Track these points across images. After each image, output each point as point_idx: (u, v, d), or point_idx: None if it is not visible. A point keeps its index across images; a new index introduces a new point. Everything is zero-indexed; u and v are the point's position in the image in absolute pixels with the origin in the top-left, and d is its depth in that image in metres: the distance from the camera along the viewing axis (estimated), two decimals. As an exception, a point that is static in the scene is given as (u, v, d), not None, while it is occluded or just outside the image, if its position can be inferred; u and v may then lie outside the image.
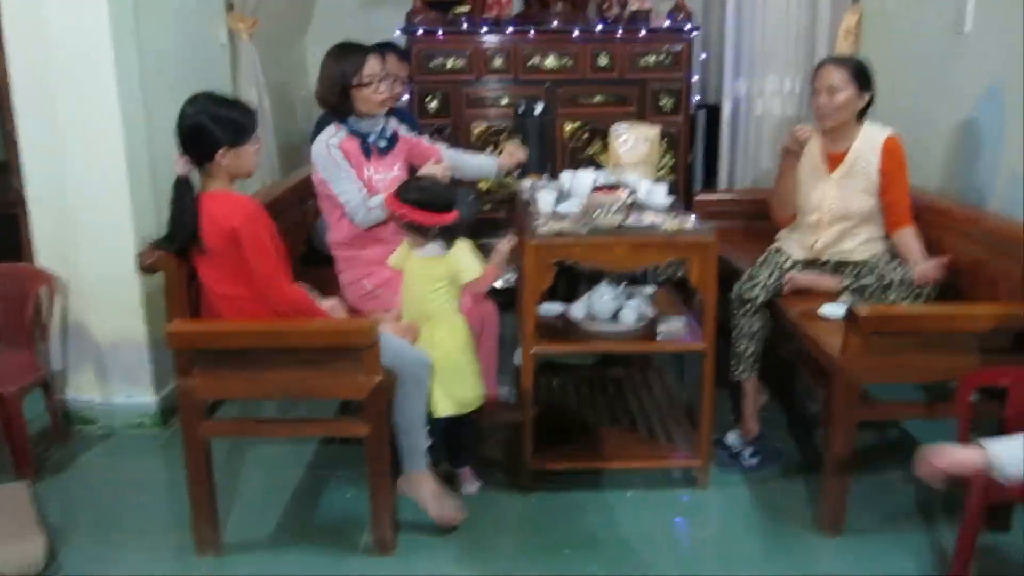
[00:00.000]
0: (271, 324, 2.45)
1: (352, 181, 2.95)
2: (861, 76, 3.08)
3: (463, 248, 2.70)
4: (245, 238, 2.37)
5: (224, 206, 2.40)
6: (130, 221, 3.20)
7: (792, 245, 3.31)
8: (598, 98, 4.50)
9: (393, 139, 3.15)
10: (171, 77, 3.42)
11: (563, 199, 3.11)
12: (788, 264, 3.24)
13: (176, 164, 2.42)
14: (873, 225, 3.19)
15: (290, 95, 5.02)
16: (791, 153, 3.16)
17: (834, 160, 3.21)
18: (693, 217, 2.90)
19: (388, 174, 3.10)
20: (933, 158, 3.57)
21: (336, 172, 2.95)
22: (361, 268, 3.07)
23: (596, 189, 2.96)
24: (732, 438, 3.19)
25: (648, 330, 2.95)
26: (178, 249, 2.47)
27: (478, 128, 4.50)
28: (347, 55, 2.98)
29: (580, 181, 3.14)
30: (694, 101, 4.61)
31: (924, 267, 2.88)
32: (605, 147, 4.46)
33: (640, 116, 4.49)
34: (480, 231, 4.53)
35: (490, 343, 3.13)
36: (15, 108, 3.17)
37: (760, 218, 4.33)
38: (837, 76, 3.05)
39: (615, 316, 3.02)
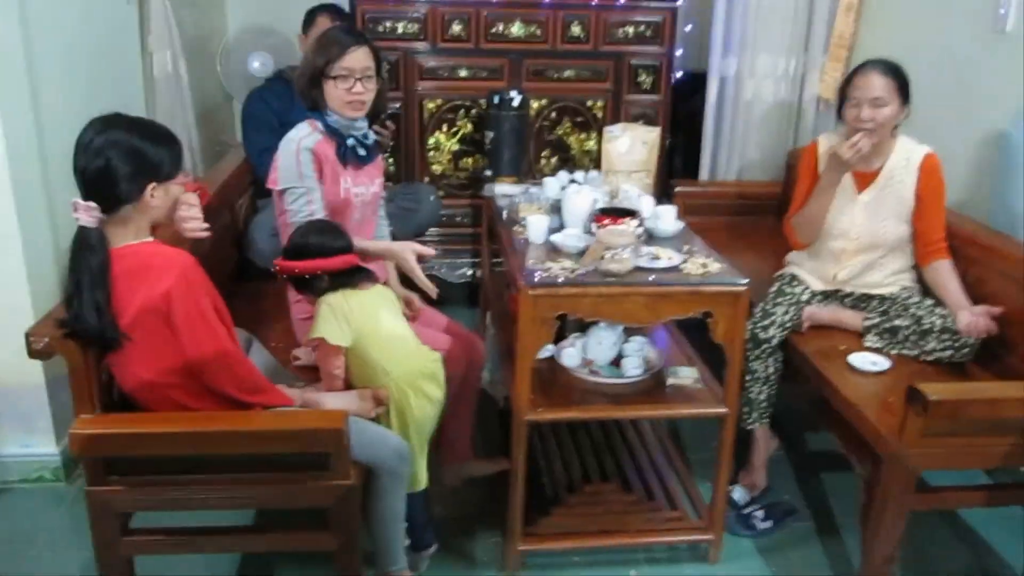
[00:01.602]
0: (212, 422, 1.90)
1: (310, 201, 2.40)
2: (906, 88, 2.65)
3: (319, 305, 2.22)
4: (179, 308, 1.82)
5: (146, 266, 1.83)
6: (16, 240, 2.57)
7: (809, 274, 2.90)
8: (569, 72, 3.95)
9: (374, 149, 2.59)
10: (65, 47, 2.75)
11: (544, 215, 2.61)
12: (806, 296, 2.83)
13: (76, 211, 1.82)
14: (902, 255, 2.81)
15: (210, 61, 4.31)
16: (838, 169, 2.70)
17: (863, 180, 2.79)
18: (713, 257, 2.45)
19: (368, 188, 2.57)
20: (951, 173, 3.15)
21: (296, 183, 2.41)
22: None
23: (599, 216, 2.48)
24: (739, 493, 2.82)
25: (655, 381, 2.52)
26: (86, 339, 1.89)
27: (432, 103, 3.91)
28: (335, 40, 2.43)
29: (576, 204, 2.64)
30: (675, 78, 4.10)
31: (973, 319, 2.50)
32: (575, 128, 3.98)
33: (616, 94, 3.99)
34: (446, 239, 4.04)
35: (470, 394, 2.65)
36: None
37: (746, 214, 3.96)
38: (883, 86, 2.61)
39: (614, 363, 2.59)
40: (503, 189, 3.06)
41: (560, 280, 2.25)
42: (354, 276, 2.24)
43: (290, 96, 3.29)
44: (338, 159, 2.47)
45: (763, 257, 3.30)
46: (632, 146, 2.93)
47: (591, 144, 4.06)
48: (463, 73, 3.89)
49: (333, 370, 2.19)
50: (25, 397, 2.74)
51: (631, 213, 2.52)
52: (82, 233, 1.81)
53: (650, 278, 2.29)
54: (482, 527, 2.67)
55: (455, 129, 3.96)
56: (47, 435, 2.81)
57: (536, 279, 2.25)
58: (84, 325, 1.81)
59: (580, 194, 2.66)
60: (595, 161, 4.08)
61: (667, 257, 2.42)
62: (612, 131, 2.91)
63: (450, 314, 2.76)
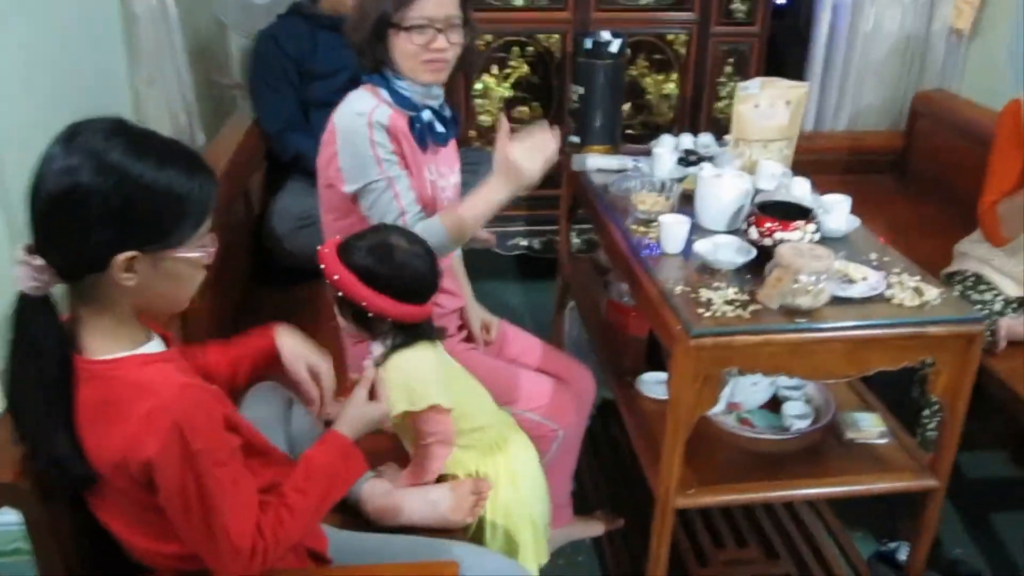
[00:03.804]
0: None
1: (397, 195, 1.73)
2: None
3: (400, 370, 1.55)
4: (169, 487, 1.13)
5: (119, 404, 1.13)
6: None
7: (1003, 276, 2.25)
8: (647, -1, 3.21)
9: (452, 124, 1.91)
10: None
11: (671, 208, 1.95)
12: (998, 305, 2.19)
13: (18, 268, 1.12)
14: None
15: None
16: None
17: (1085, 152, 2.12)
18: (919, 275, 1.80)
19: (450, 179, 1.90)
20: None
21: (373, 175, 1.72)
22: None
23: (760, 219, 1.81)
24: (904, 552, 2.22)
25: (829, 433, 1.90)
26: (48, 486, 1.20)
27: (480, 41, 3.16)
28: None
29: (719, 196, 1.96)
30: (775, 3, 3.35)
31: None
32: (651, 67, 3.26)
33: (702, 25, 3.25)
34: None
35: (576, 443, 2.02)
36: None
37: (860, 171, 3.28)
38: None
39: (772, 409, 1.97)
40: (597, 162, 2.36)
41: (737, 329, 1.59)
42: (433, 329, 1.61)
43: (310, 38, 2.57)
44: (415, 140, 1.78)
45: (899, 232, 2.63)
46: (773, 107, 2.25)
47: (671, 87, 3.35)
48: (518, 2, 3.14)
49: (443, 452, 1.58)
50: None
51: (804, 211, 1.85)
52: (22, 308, 1.12)
53: (854, 321, 1.63)
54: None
55: (507, 71, 3.23)
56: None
57: (699, 326, 1.58)
58: (43, 467, 1.14)
59: (723, 181, 1.97)
60: (674, 108, 3.39)
61: (861, 278, 1.76)
62: (748, 87, 2.21)
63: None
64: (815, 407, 1.97)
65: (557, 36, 3.21)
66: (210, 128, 2.79)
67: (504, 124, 1.72)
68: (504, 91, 3.25)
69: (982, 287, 2.24)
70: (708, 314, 1.62)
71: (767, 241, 1.80)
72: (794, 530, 2.24)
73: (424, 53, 1.72)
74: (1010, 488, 2.48)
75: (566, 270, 2.73)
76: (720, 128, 3.31)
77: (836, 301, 1.66)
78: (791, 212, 1.85)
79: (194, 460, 1.11)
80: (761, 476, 1.79)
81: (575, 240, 3.40)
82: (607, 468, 2.48)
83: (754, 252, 1.80)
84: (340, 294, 1.55)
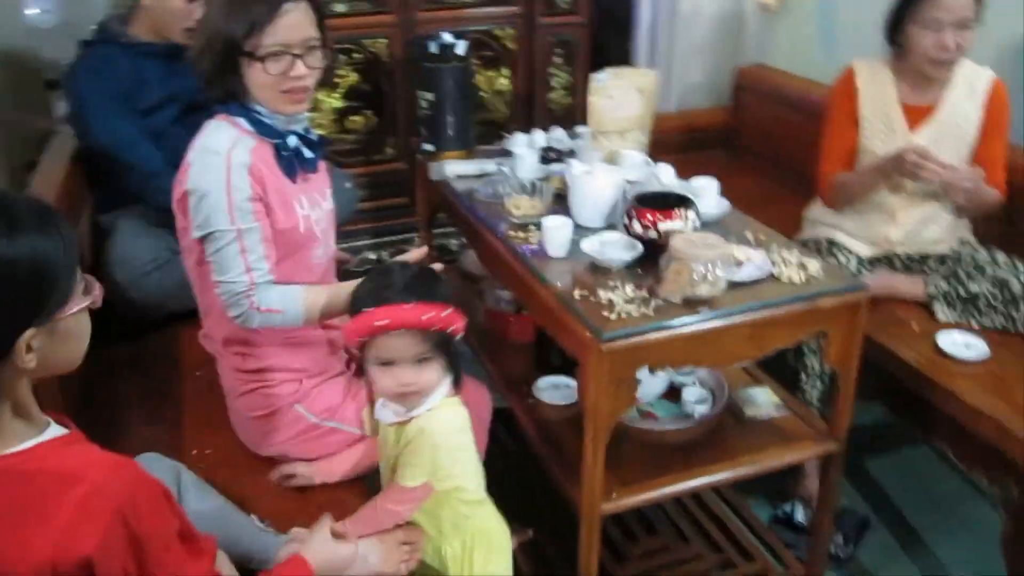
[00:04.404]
0: None
1: (250, 251, 1.57)
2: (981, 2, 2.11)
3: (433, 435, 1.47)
4: (116, 572, 0.98)
5: (45, 497, 0.97)
6: None
7: (853, 238, 2.37)
8: (470, -6, 3.17)
9: (320, 145, 1.78)
10: None
11: (544, 208, 1.92)
12: (853, 266, 2.30)
13: None
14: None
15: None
16: (898, 172, 2.21)
17: (916, 115, 2.27)
18: (795, 249, 1.86)
19: (323, 206, 1.77)
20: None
21: (222, 223, 1.56)
22: (289, 380, 1.73)
23: (641, 211, 1.80)
24: (802, 513, 2.31)
25: (729, 415, 1.93)
26: None
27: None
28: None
29: (595, 191, 1.94)
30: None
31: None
32: (482, 64, 3.22)
33: (529, 15, 3.24)
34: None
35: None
36: None
37: (694, 149, 3.38)
38: (969, 3, 2.05)
39: (669, 398, 1.98)
40: (456, 168, 2.29)
41: (647, 327, 1.57)
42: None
43: (133, 69, 2.32)
44: (282, 171, 1.64)
45: (743, 205, 2.71)
46: (625, 96, 2.25)
47: (503, 83, 3.32)
48: (340, 8, 3.00)
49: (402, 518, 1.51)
50: None
51: (680, 199, 1.86)
52: None
53: (752, 303, 1.65)
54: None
55: (336, 81, 3.09)
56: None
57: (609, 330, 1.55)
58: None
59: (597, 178, 1.95)
60: (508, 104, 3.36)
61: (746, 258, 1.79)
62: (600, 79, 2.20)
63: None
64: (710, 389, 1.99)
65: (384, 40, 3.11)
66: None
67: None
68: (335, 102, 3.11)
69: (836, 250, 2.34)
70: (614, 316, 1.59)
71: (652, 233, 1.79)
72: (697, 510, 2.27)
73: (282, 82, 1.58)
74: (884, 435, 2.63)
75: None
76: (555, 119, 3.32)
77: (731, 286, 1.68)
78: (668, 201, 1.85)
79: (141, 548, 0.98)
80: (676, 468, 1.78)
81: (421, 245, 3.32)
82: (504, 479, 2.42)
83: (640, 247, 1.79)
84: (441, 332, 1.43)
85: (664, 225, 1.79)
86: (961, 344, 2.11)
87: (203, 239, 1.57)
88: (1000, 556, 1.94)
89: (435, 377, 1.44)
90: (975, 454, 1.97)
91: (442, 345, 1.43)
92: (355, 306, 1.46)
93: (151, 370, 2.11)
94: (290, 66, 1.57)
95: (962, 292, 2.20)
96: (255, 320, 1.60)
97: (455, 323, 1.43)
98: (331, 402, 1.74)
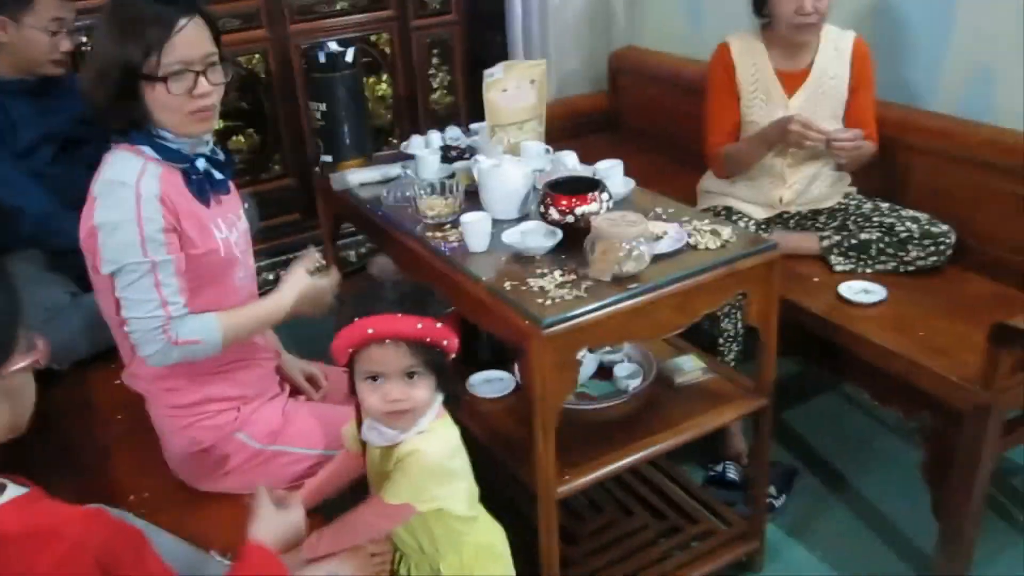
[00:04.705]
0: None
1: (164, 284, 1.52)
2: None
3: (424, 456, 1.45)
4: None
5: (25, 566, 0.92)
6: None
7: (748, 203, 2.48)
8: (342, 3, 3.13)
9: (229, 164, 1.74)
10: None
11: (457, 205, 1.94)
12: (751, 230, 2.41)
13: None
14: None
15: None
16: (782, 140, 2.32)
17: (792, 81, 2.39)
18: (707, 219, 1.93)
19: (239, 226, 1.73)
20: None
21: (134, 255, 1.51)
22: (227, 409, 1.68)
23: (557, 198, 1.83)
24: (733, 471, 2.40)
25: (661, 386, 1.99)
26: None
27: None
28: (149, 16, 1.49)
29: (507, 183, 1.96)
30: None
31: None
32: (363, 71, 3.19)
33: (402, 19, 3.24)
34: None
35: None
36: None
37: (581, 135, 3.45)
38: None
39: (601, 377, 2.03)
40: (359, 177, 2.26)
41: (584, 309, 1.60)
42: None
43: (1, 107, 2.20)
44: (195, 196, 1.59)
45: (641, 184, 2.81)
46: (520, 88, 2.28)
47: (384, 88, 3.31)
48: None
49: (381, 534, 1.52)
50: None
51: (591, 183, 1.90)
52: None
53: (678, 272, 1.71)
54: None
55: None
56: None
57: (547, 316, 1.58)
58: None
59: (506, 170, 1.97)
60: (390, 109, 3.35)
61: (663, 232, 1.84)
62: (493, 74, 2.22)
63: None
64: (639, 364, 2.05)
65: (259, 56, 3.05)
66: None
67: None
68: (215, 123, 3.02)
69: (734, 216, 2.44)
70: (549, 302, 1.62)
71: (569, 218, 1.83)
72: (637, 483, 2.33)
73: (188, 102, 1.53)
74: (796, 388, 2.76)
75: (341, 293, 2.60)
76: (439, 119, 3.34)
77: (655, 260, 1.73)
78: (579, 186, 1.89)
79: None
80: (621, 442, 1.83)
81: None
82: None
83: (560, 233, 1.82)
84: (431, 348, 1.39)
85: (580, 209, 1.82)
86: (860, 290, 2.24)
87: (114, 274, 1.51)
88: (920, 484, 2.07)
89: (425, 396, 1.41)
90: (889, 391, 2.09)
91: (433, 361, 1.41)
92: (343, 324, 1.43)
93: (66, 421, 2.00)
94: (193, 84, 1.52)
95: (853, 241, 2.34)
96: (173, 355, 1.55)
97: (447, 338, 1.41)
98: (272, 425, 1.70)
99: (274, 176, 3.21)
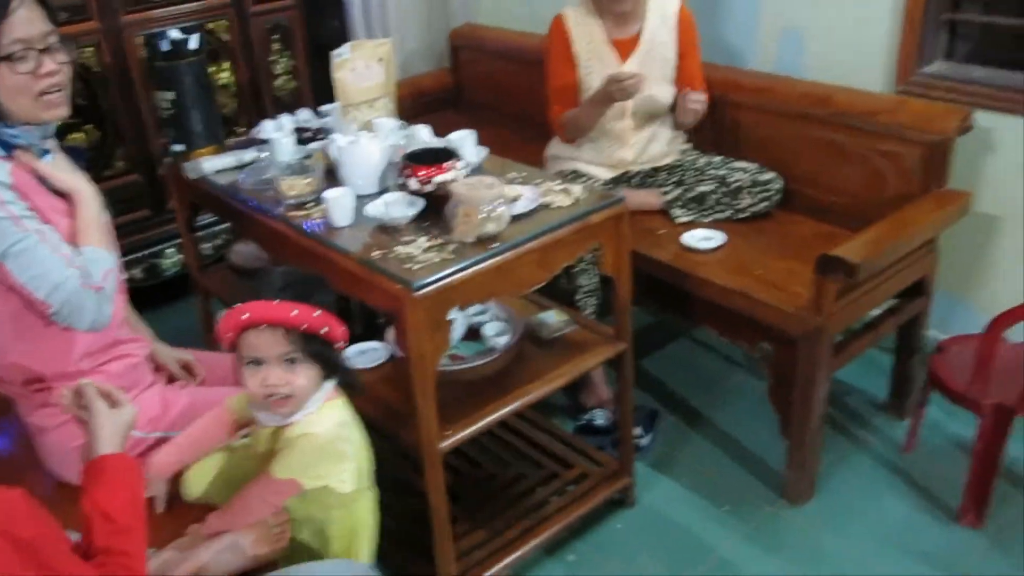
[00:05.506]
0: None
1: (57, 247, 1.52)
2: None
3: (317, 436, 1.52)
4: None
5: None
6: None
7: (592, 165, 2.62)
8: (174, -7, 3.07)
9: (79, 155, 1.74)
10: None
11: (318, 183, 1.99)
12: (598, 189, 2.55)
13: None
14: (671, 118, 2.64)
15: None
16: (612, 99, 2.43)
17: (624, 48, 2.54)
18: (557, 180, 2.05)
19: (100, 219, 1.69)
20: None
21: (13, 234, 1.48)
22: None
23: (416, 168, 1.91)
24: (601, 417, 2.56)
25: (531, 341, 2.11)
26: None
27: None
28: None
29: (364, 159, 2.02)
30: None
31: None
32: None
33: (239, 5, 3.21)
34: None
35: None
36: None
37: (426, 113, 3.50)
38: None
39: (471, 338, 2.12)
40: (214, 164, 2.26)
41: (452, 270, 1.69)
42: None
43: None
44: (48, 190, 1.57)
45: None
46: (368, 68, 2.32)
47: (226, 76, 3.27)
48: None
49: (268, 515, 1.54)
50: None
51: (446, 153, 1.98)
52: None
53: (536, 229, 1.82)
54: None
55: (46, 99, 2.89)
56: None
57: (417, 279, 1.66)
58: None
59: (363, 146, 2.03)
60: (237, 96, 3.31)
61: (518, 195, 1.95)
62: (340, 54, 2.25)
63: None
64: (505, 322, 2.15)
65: (91, 49, 2.95)
66: None
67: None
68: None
69: (581, 180, 2.58)
70: (418, 267, 1.69)
71: (429, 187, 1.91)
72: (511, 436, 2.44)
73: (35, 83, 1.51)
74: (649, 336, 2.94)
75: (204, 283, 2.59)
76: (284, 105, 3.32)
77: (513, 220, 1.83)
78: (436, 156, 1.96)
79: (34, 550, 0.97)
80: (495, 396, 1.93)
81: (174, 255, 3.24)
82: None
83: (422, 202, 1.89)
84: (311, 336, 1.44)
85: (439, 178, 1.90)
86: (701, 238, 2.42)
87: (3, 260, 1.47)
88: (769, 412, 2.27)
89: (305, 383, 1.46)
90: (734, 327, 2.28)
91: (313, 348, 1.45)
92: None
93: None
94: (38, 63, 1.50)
95: (692, 194, 2.52)
96: (107, 299, 1.55)
97: (326, 326, 1.45)
98: (151, 413, 1.71)
99: (118, 172, 3.11)
